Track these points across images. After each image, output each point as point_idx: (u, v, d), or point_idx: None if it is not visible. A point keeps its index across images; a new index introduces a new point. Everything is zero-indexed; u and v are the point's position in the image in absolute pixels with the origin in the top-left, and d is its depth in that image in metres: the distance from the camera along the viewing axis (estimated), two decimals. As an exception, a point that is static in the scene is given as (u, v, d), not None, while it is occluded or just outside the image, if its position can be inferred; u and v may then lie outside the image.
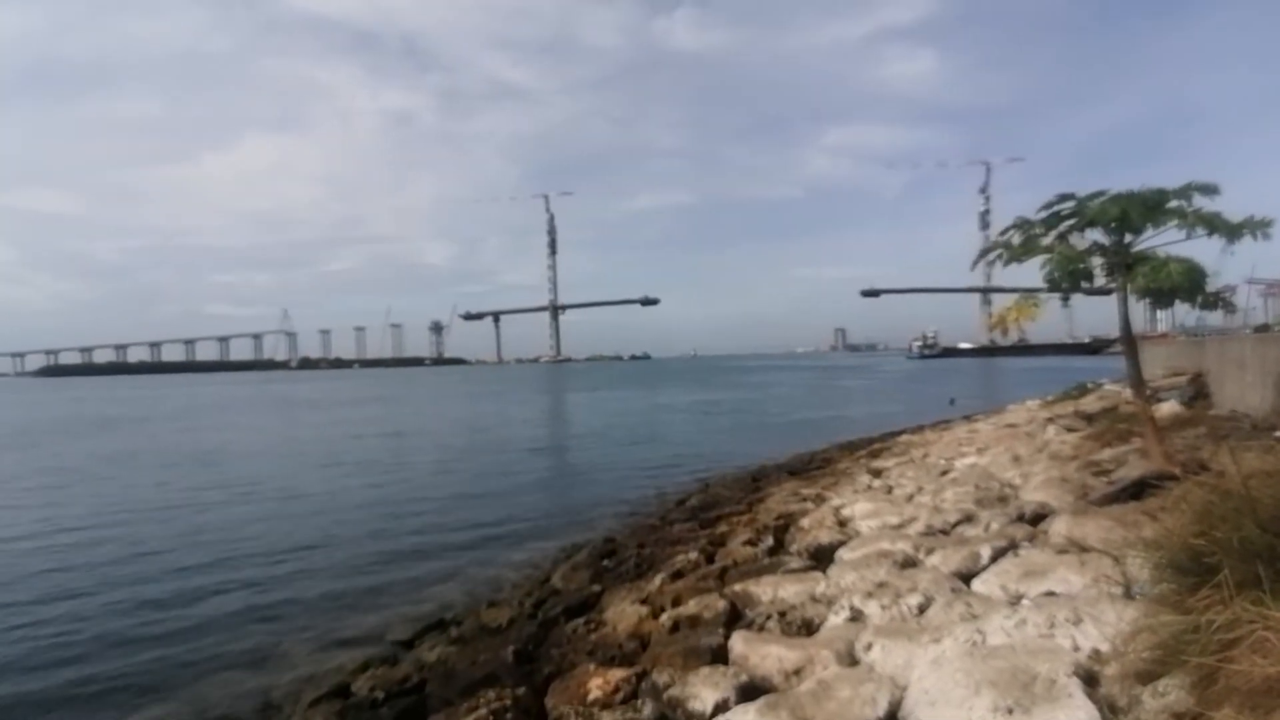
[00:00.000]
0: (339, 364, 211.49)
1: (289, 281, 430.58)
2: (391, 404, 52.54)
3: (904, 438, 17.46)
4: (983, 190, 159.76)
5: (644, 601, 6.69)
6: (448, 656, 6.86)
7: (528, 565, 10.58)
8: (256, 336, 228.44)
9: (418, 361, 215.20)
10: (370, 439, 27.16)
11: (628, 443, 24.47)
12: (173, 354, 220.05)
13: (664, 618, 5.87)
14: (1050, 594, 4.07)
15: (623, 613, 6.46)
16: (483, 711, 4.81)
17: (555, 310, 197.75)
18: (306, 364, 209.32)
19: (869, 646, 4.10)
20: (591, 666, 5.02)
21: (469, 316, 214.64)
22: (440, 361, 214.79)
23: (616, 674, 4.72)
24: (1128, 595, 3.75)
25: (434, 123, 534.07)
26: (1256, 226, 5.70)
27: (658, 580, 7.33)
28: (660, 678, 4.48)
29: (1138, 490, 5.33)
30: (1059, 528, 5.24)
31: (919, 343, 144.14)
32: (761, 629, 5.04)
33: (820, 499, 9.68)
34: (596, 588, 8.12)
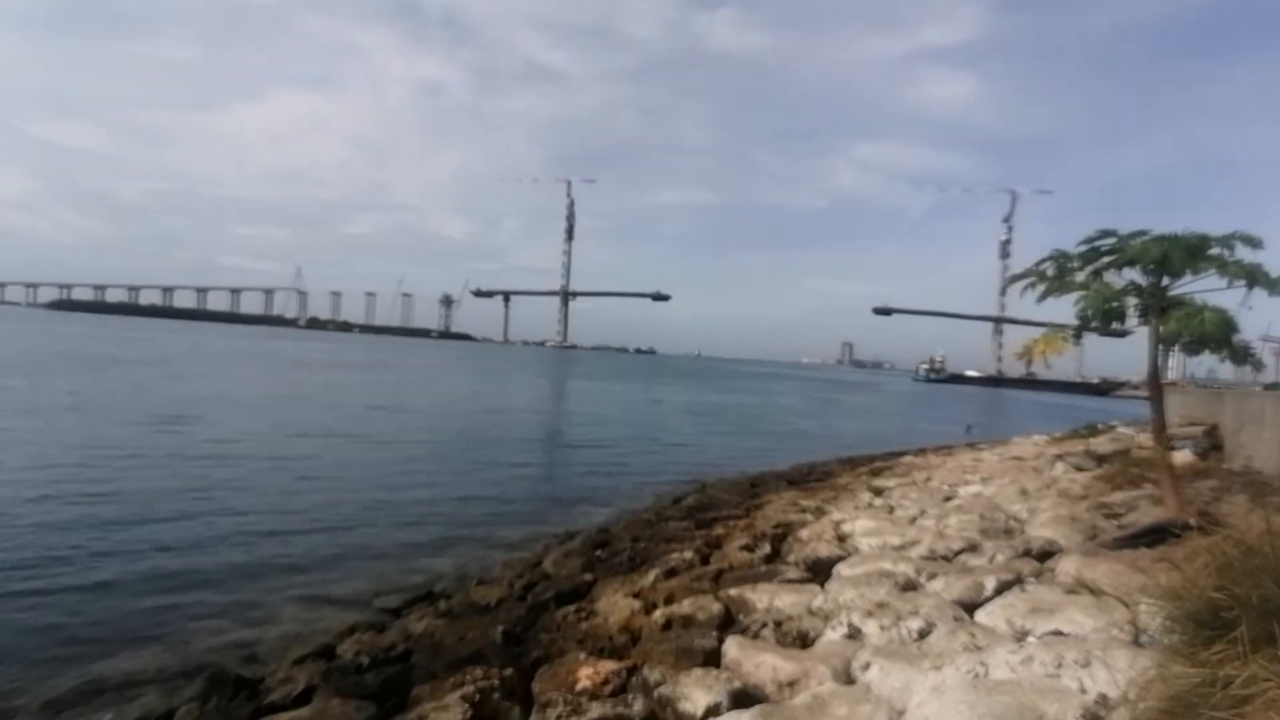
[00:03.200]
0: (345, 327, 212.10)
1: (306, 240, 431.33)
2: (398, 372, 52.69)
3: (906, 459, 17.37)
4: (1006, 219, 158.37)
5: (636, 595, 6.65)
6: (435, 630, 6.83)
7: (519, 547, 10.56)
8: (268, 291, 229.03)
9: (425, 333, 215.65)
10: (373, 406, 27.15)
11: (628, 436, 24.42)
12: (184, 300, 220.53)
13: (657, 614, 5.82)
14: (1058, 633, 3.99)
15: (615, 604, 6.42)
16: (469, 689, 4.77)
17: (566, 296, 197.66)
18: (315, 324, 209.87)
19: (867, 666, 4.04)
20: (581, 655, 4.98)
21: (480, 293, 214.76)
22: (447, 335, 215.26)
23: (607, 665, 4.67)
24: (1137, 642, 3.67)
25: (465, 97, 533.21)
26: None
27: (651, 576, 7.28)
28: (651, 674, 4.43)
29: (1152, 537, 5.24)
30: (1068, 567, 5.16)
31: (926, 366, 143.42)
32: (756, 636, 4.99)
33: (820, 512, 9.61)
34: (588, 577, 8.08)
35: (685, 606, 5.81)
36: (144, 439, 16.04)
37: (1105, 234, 6.23)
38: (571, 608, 6.64)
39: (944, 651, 3.98)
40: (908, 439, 25.96)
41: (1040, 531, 6.67)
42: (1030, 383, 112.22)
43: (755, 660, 4.38)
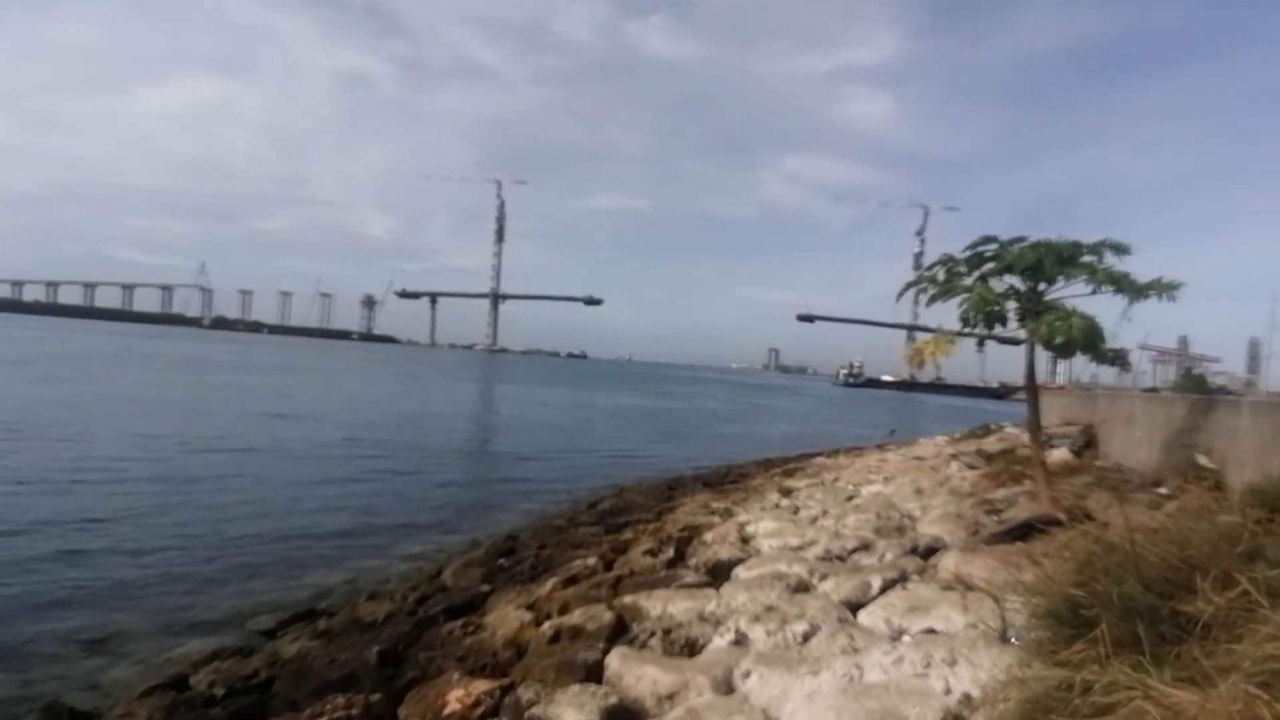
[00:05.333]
0: (255, 327, 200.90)
1: (213, 235, 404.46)
2: (307, 375, 50.17)
3: (818, 460, 17.77)
4: (919, 233, 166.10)
5: (530, 607, 6.37)
6: (308, 652, 6.37)
7: (422, 558, 10.09)
8: (166, 288, 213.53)
9: (345, 335, 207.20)
10: (275, 413, 25.58)
11: (552, 441, 24.00)
12: (71, 296, 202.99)
13: (546, 626, 5.58)
14: (931, 631, 4.01)
15: (505, 617, 6.13)
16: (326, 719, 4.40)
17: (496, 299, 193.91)
18: (221, 323, 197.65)
19: (747, 674, 3.94)
20: (456, 675, 4.68)
21: (405, 294, 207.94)
22: (369, 337, 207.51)
23: (480, 686, 4.39)
24: (1004, 638, 3.71)
25: (392, 91, 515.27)
26: (1163, 289, 5.92)
27: (549, 585, 7.02)
28: (526, 694, 4.19)
29: (1024, 532, 5.41)
30: (948, 563, 5.25)
31: (846, 371, 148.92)
32: (644, 646, 4.82)
33: (728, 514, 9.60)
34: (486, 587, 7.75)
35: (576, 617, 5.59)
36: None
37: (987, 240, 6.45)
38: (459, 622, 6.31)
39: (823, 655, 3.92)
40: (824, 441, 26.66)
41: (929, 529, 6.82)
42: (939, 387, 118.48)
43: (636, 673, 4.21)
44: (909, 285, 6.85)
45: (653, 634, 4.93)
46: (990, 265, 6.57)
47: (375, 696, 4.82)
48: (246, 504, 11.93)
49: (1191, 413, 6.79)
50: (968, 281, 6.62)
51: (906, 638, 4.01)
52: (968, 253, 6.56)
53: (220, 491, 12.63)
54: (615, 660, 4.40)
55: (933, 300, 6.58)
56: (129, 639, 6.74)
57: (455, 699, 4.30)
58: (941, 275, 6.75)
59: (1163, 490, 6.05)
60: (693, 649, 4.75)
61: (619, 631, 5.36)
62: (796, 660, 3.94)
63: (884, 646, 3.78)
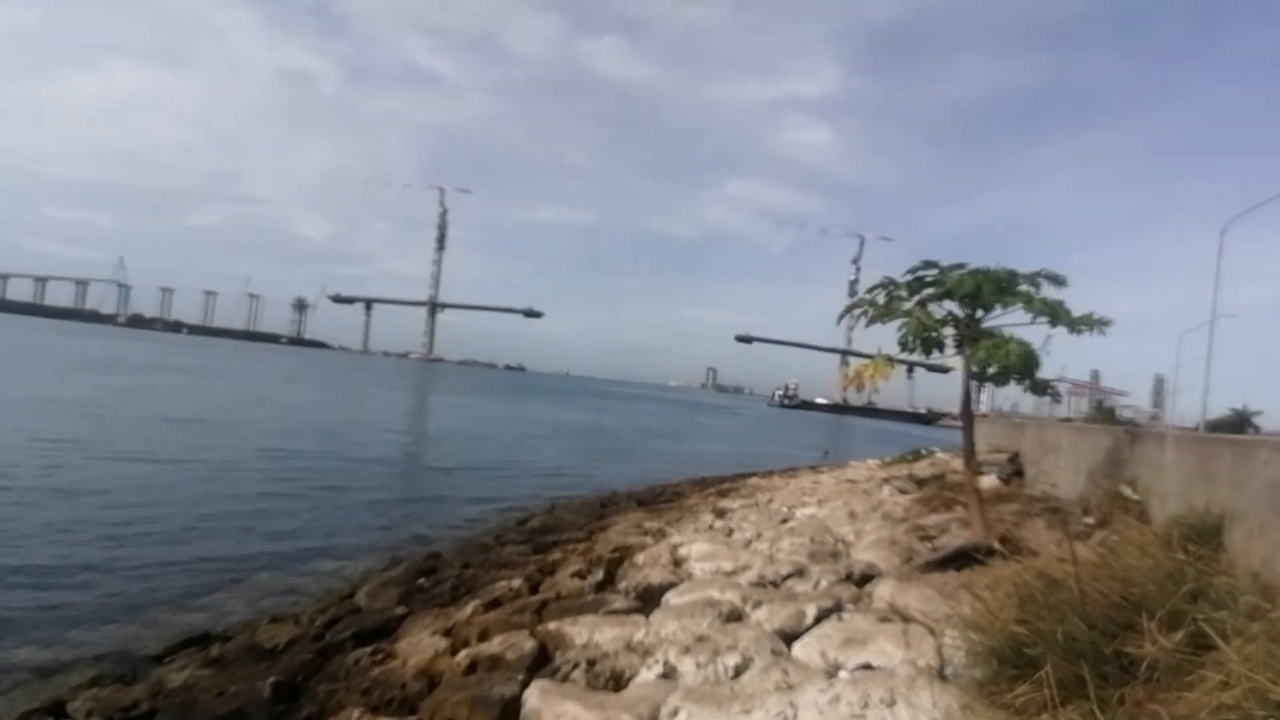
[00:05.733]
0: (175, 327, 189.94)
1: (138, 230, 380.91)
2: (229, 380, 47.43)
3: (753, 480, 17.75)
4: (855, 261, 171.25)
5: (448, 633, 5.92)
6: (196, 681, 5.76)
7: (336, 577, 9.41)
8: (81, 283, 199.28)
9: (273, 338, 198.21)
10: (186, 418, 23.85)
11: (485, 455, 23.21)
12: None
13: (462, 655, 5.15)
14: (868, 667, 3.82)
15: (419, 644, 5.65)
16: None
17: (434, 307, 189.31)
18: (138, 321, 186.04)
19: (675, 713, 3.66)
20: (356, 713, 4.21)
21: (339, 299, 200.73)
22: (298, 341, 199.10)
23: (383, 726, 3.95)
24: (943, 675, 3.55)
25: (334, 92, 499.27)
26: (1096, 324, 6.04)
27: (469, 608, 6.56)
28: (433, 734, 3.79)
29: (960, 560, 5.35)
30: (883, 592, 5.12)
31: (781, 392, 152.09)
32: (566, 679, 4.47)
33: (661, 534, 9.33)
34: (402, 610, 7.21)
35: (495, 645, 5.18)
36: None
37: (928, 264, 6.47)
38: (368, 649, 5.78)
39: (755, 693, 3.67)
40: (758, 461, 26.82)
41: (863, 555, 6.73)
42: (870, 410, 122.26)
43: (557, 710, 3.87)
44: (849, 308, 6.81)
45: (576, 665, 4.58)
46: (930, 290, 6.58)
47: (262, 738, 4.31)
48: (145, 519, 10.90)
49: (1116, 444, 6.98)
50: (907, 306, 6.61)
51: (843, 673, 3.81)
52: (908, 277, 6.57)
53: (116, 506, 11.50)
54: (534, 696, 4.04)
55: (871, 322, 6.54)
56: (6, 664, 6.05)
57: (351, 742, 3.84)
58: (882, 299, 6.72)
59: (1089, 519, 6.14)
60: (619, 682, 4.43)
61: (541, 661, 4.99)
62: (728, 697, 3.68)
63: (819, 684, 3.57)
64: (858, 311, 6.72)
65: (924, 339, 6.08)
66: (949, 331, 6.44)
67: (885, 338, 6.56)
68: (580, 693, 4.10)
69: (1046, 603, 2.97)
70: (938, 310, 6.53)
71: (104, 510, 11.11)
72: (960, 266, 6.36)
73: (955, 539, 6.45)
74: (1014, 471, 10.02)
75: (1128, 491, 6.05)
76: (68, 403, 24.18)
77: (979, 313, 6.37)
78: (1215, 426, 26.44)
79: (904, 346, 6.16)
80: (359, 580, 9.07)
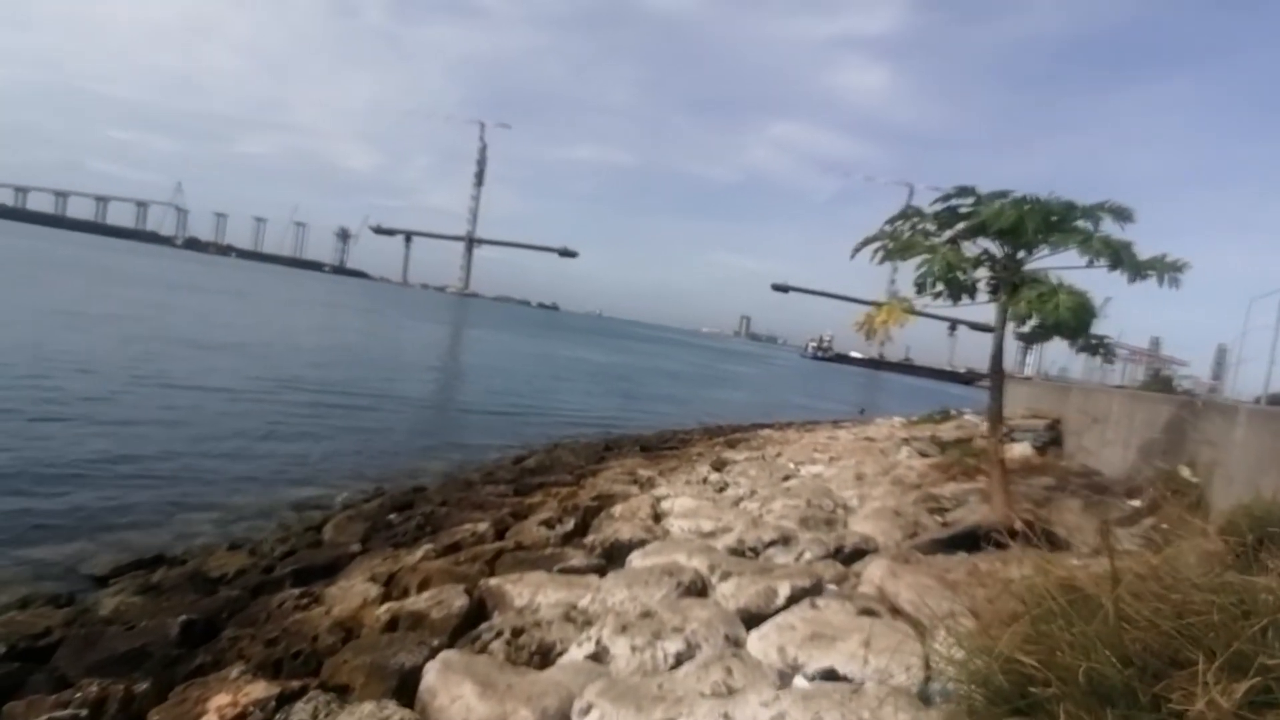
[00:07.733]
0: (225, 250, 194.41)
1: (192, 154, 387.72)
2: (267, 305, 48.03)
3: (765, 432, 16.95)
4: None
5: (389, 580, 5.36)
6: (126, 610, 5.40)
7: (313, 505, 9.06)
8: (142, 204, 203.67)
9: (316, 266, 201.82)
10: (212, 341, 23.76)
11: (504, 392, 22.85)
12: (41, 204, 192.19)
13: (383, 609, 4.57)
14: (831, 675, 3.07)
15: (350, 590, 5.12)
16: (47, 716, 3.38)
17: (471, 242, 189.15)
18: (193, 244, 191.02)
19: (587, 710, 2.99)
20: (235, 672, 3.66)
21: (380, 230, 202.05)
22: (341, 270, 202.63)
23: (256, 691, 3.37)
24: (924, 696, 2.78)
25: (381, 21, 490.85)
26: (1168, 268, 4.90)
27: (420, 552, 6.01)
28: (306, 709, 3.20)
29: (970, 541, 4.52)
30: (873, 574, 4.33)
31: (815, 344, 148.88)
32: (485, 649, 3.84)
33: (650, 484, 8.66)
34: (357, 548, 6.74)
35: (423, 600, 4.59)
36: None
37: (963, 191, 5.36)
38: (296, 591, 5.28)
39: (686, 695, 2.96)
40: (780, 413, 25.97)
41: (860, 525, 5.92)
42: (907, 367, 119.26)
43: (452, 693, 3.24)
44: (865, 241, 5.73)
45: (499, 634, 3.95)
46: (964, 224, 5.51)
47: (142, 687, 3.80)
48: (139, 437, 10.66)
49: (1177, 416, 5.92)
50: (933, 242, 5.54)
51: (799, 679, 3.08)
52: (938, 206, 5.49)
53: (116, 421, 11.30)
54: (433, 672, 3.42)
55: (885, 259, 5.52)
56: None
57: (215, 709, 3.28)
58: (906, 231, 5.68)
59: (1135, 503, 5.20)
60: (545, 658, 3.79)
61: (472, 622, 4.39)
62: (653, 697, 2.98)
63: (765, 693, 2.83)
64: (875, 245, 5.68)
65: (948, 280, 5.04)
66: (982, 273, 5.40)
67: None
68: (490, 671, 3.46)
69: (1069, 627, 2.15)
70: (971, 249, 5.48)
71: (98, 426, 10.89)
72: (1003, 195, 5.24)
73: (971, 514, 5.61)
74: (1052, 440, 9.00)
75: (1186, 473, 5.07)
76: (96, 317, 24.42)
77: (1021, 253, 5.31)
78: (1276, 401, 24.53)
79: (921, 289, 5.13)
80: (335, 511, 8.68)
